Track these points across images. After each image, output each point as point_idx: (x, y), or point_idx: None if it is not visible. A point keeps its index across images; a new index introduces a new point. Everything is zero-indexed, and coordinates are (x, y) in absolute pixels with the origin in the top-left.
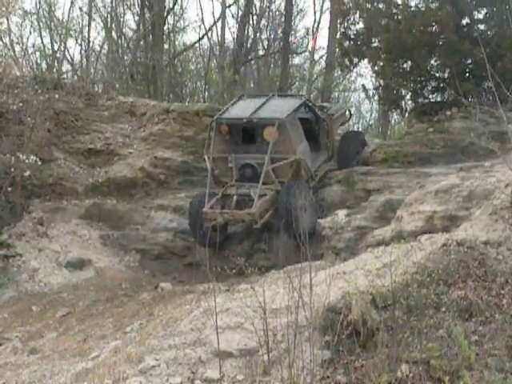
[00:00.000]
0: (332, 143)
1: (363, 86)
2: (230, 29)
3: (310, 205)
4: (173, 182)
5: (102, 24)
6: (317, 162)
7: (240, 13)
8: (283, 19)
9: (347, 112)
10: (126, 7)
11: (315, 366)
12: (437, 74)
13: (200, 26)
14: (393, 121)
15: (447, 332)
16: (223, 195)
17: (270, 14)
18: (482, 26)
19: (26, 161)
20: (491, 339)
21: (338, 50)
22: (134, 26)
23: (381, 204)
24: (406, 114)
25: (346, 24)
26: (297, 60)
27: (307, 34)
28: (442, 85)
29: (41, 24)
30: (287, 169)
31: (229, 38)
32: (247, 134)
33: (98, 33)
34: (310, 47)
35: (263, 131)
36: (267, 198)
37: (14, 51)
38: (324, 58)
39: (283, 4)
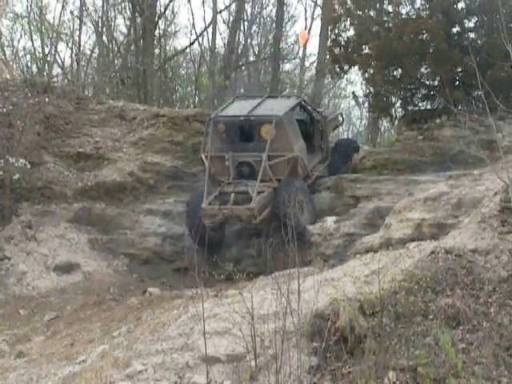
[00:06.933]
0: (326, 145)
1: (353, 92)
2: (220, 34)
3: (308, 201)
4: (162, 187)
5: (92, 28)
6: (312, 162)
7: (231, 18)
8: (274, 25)
9: (339, 116)
10: (117, 11)
11: (302, 372)
12: (427, 82)
13: (191, 31)
14: (382, 128)
15: (434, 339)
16: (220, 193)
17: (261, 19)
18: (472, 35)
19: (16, 164)
20: (478, 347)
21: (328, 56)
22: (124, 30)
23: (370, 211)
24: (396, 122)
25: (336, 31)
26: (287, 66)
27: (298, 40)
28: (431, 93)
29: (32, 27)
30: (284, 166)
31: (220, 43)
32: (244, 132)
33: (89, 37)
34: (301, 41)
35: (260, 129)
36: (265, 194)
37: (5, 54)
38: (314, 64)
39: (274, 10)
